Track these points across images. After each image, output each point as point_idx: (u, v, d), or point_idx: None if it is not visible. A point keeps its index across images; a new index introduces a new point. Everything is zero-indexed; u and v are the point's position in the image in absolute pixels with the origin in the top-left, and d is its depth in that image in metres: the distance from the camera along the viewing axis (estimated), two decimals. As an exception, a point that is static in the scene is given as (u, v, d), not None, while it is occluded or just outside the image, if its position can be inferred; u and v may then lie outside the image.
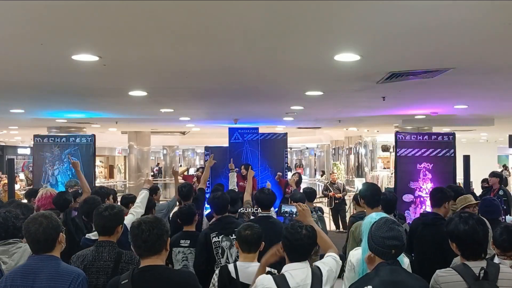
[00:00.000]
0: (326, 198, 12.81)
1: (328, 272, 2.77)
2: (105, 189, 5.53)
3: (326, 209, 13.59)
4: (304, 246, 2.77)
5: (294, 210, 3.31)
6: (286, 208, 3.50)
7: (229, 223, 4.19)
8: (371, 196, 4.07)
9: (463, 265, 2.64)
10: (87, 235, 4.06)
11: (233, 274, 3.22)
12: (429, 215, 4.50)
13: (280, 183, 9.24)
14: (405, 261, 3.08)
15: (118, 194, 6.85)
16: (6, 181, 11.06)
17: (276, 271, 3.09)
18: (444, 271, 2.68)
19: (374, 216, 2.97)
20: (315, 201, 15.16)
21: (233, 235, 3.87)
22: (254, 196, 4.88)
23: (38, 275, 2.61)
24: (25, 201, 6.57)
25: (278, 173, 9.22)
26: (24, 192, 12.05)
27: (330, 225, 11.27)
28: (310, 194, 6.35)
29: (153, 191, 6.35)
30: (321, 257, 3.12)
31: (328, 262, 2.86)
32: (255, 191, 5.43)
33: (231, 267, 3.27)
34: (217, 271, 3.32)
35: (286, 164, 10.60)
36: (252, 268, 3.21)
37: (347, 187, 13.70)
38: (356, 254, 3.16)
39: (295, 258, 2.78)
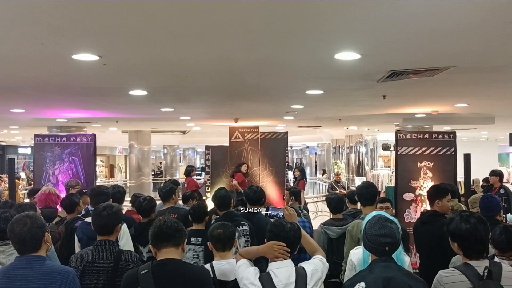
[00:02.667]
0: None
1: (313, 271, 2.74)
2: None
3: (327, 207, 13.60)
4: (289, 239, 2.77)
5: (281, 214, 3.32)
6: (272, 212, 3.50)
7: (234, 217, 4.31)
8: (367, 194, 4.10)
9: (466, 265, 2.62)
10: (86, 219, 4.16)
11: (210, 274, 3.22)
12: (426, 213, 4.53)
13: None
14: (405, 259, 3.08)
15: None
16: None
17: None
18: (447, 271, 2.67)
19: (374, 214, 2.98)
20: (318, 199, 15.17)
21: (239, 227, 4.12)
22: (244, 193, 5.04)
23: (26, 276, 2.57)
24: (27, 200, 6.58)
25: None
26: (25, 191, 12.06)
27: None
28: (296, 194, 6.35)
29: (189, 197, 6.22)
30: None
31: (314, 263, 2.84)
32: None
33: (207, 267, 3.27)
34: None
35: (286, 163, 10.61)
36: (228, 265, 3.25)
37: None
38: (357, 253, 3.16)
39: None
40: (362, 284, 2.43)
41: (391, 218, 2.72)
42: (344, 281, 2.72)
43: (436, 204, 4.28)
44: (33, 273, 2.59)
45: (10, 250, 3.13)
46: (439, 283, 2.63)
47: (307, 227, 5.18)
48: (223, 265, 3.26)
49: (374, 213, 3.08)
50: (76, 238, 4.15)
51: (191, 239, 4.32)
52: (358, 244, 3.73)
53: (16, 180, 14.06)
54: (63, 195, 7.42)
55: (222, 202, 4.49)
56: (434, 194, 4.34)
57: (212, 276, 3.20)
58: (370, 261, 2.64)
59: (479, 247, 2.65)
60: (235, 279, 3.05)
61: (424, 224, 4.30)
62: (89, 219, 4.13)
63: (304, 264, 2.82)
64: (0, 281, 2.59)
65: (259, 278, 2.69)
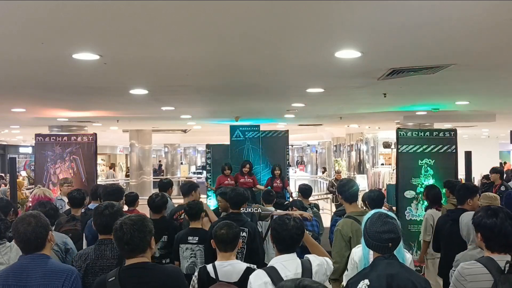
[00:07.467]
0: (332, 195, 12.88)
1: (319, 267, 2.78)
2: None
3: (328, 205, 13.62)
4: (292, 236, 2.79)
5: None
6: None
7: (236, 220, 4.21)
8: (348, 191, 4.08)
9: (488, 258, 2.63)
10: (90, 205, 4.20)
11: (212, 274, 3.21)
12: (458, 212, 4.53)
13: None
14: (407, 257, 3.08)
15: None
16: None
17: (255, 266, 3.14)
18: (469, 263, 2.68)
19: (374, 212, 2.98)
20: (319, 197, 15.14)
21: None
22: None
23: (30, 274, 2.59)
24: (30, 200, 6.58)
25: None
26: (26, 191, 12.05)
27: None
28: (305, 191, 6.35)
29: (166, 186, 6.23)
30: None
31: (321, 259, 2.87)
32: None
33: (209, 267, 3.26)
34: (196, 273, 3.31)
35: (287, 161, 10.61)
36: (230, 266, 3.22)
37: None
38: (358, 252, 3.17)
39: (284, 249, 2.80)
40: (367, 281, 2.43)
41: (391, 214, 2.72)
42: (347, 280, 2.73)
43: (468, 203, 4.45)
44: (36, 270, 2.61)
45: (4, 250, 3.15)
46: (460, 275, 2.63)
47: (315, 226, 5.20)
48: (225, 267, 3.22)
49: (374, 211, 3.08)
50: (84, 236, 4.19)
51: (188, 238, 4.29)
52: (349, 243, 3.74)
53: (21, 181, 14.15)
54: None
55: (235, 200, 4.40)
56: (466, 193, 4.47)
57: (214, 277, 3.19)
58: (370, 257, 2.64)
59: (502, 241, 2.65)
60: (238, 280, 3.05)
61: (455, 222, 4.31)
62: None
63: (310, 257, 2.86)
64: (5, 280, 2.60)
65: (265, 271, 2.70)
